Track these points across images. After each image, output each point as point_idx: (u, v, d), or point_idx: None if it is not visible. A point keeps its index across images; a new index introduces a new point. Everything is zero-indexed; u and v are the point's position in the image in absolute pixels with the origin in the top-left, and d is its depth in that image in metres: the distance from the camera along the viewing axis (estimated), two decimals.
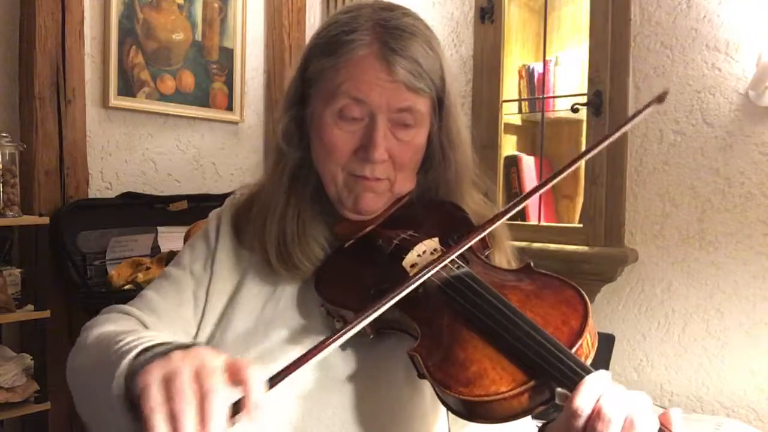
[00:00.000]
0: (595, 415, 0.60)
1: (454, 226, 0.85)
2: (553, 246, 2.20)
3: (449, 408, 0.67)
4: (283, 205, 0.91)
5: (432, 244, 0.83)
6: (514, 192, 2.46)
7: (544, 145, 2.40)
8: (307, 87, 0.90)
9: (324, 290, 0.85)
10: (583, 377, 0.62)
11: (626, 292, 2.26)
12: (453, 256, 0.74)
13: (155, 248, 2.44)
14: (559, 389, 0.63)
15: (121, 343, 0.70)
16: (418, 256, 0.81)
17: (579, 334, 0.66)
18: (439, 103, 0.89)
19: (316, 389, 0.80)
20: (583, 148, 2.32)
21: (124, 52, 2.52)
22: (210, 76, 2.80)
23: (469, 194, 0.94)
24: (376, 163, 0.85)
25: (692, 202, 2.13)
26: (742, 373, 2.03)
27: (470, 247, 0.81)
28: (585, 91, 2.23)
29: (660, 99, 0.83)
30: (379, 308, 0.68)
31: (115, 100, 2.50)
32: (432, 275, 0.73)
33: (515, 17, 2.51)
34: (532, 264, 0.80)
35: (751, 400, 2.01)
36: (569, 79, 2.38)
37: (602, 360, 2.10)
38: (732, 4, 2.04)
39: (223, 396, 0.56)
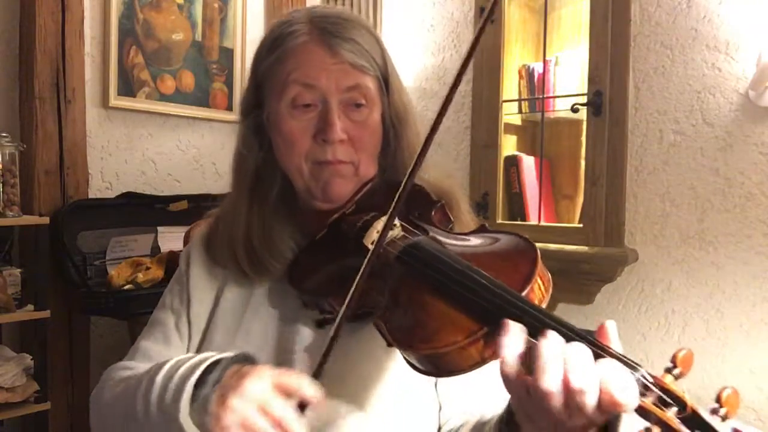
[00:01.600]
0: (566, 391, 0.56)
1: (414, 201, 0.87)
2: (553, 246, 2.20)
3: (417, 369, 0.70)
4: (246, 209, 0.93)
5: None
6: (515, 192, 2.46)
7: (544, 145, 2.40)
8: (260, 89, 0.94)
9: (297, 282, 0.88)
10: (535, 316, 0.62)
11: (626, 292, 2.26)
12: (396, 212, 0.76)
13: (155, 248, 2.44)
14: None
15: (157, 391, 0.74)
16: (377, 232, 0.83)
17: (528, 278, 0.68)
18: (385, 83, 0.93)
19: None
20: (584, 148, 2.32)
21: (124, 52, 2.52)
22: (210, 76, 2.80)
23: (425, 169, 0.96)
24: (336, 144, 0.88)
25: (692, 202, 2.13)
26: (741, 372, 2.03)
27: (431, 221, 0.86)
28: (585, 91, 2.23)
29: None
30: (354, 287, 0.71)
31: (115, 100, 2.50)
32: (390, 247, 0.77)
33: (515, 17, 2.51)
34: (486, 225, 0.84)
35: (751, 400, 2.01)
36: (569, 79, 2.38)
37: None
38: (732, 4, 2.04)
39: (292, 413, 0.67)
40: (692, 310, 2.13)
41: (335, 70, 0.87)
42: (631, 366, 0.57)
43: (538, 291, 0.69)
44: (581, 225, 2.28)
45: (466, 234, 0.84)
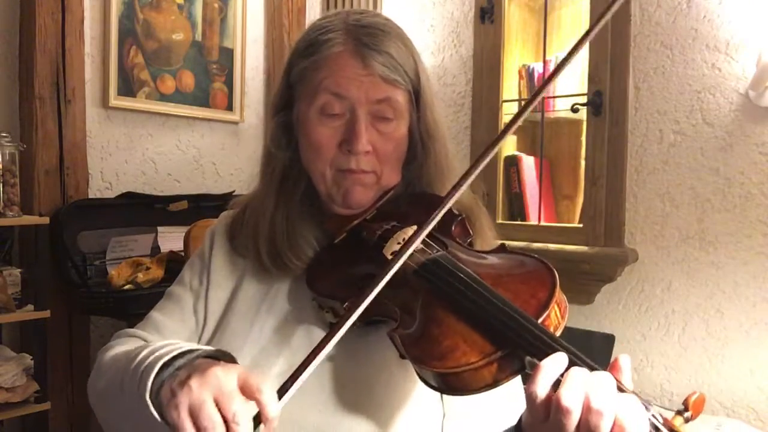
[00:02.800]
0: (586, 411, 0.59)
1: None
2: (553, 246, 2.20)
3: (429, 385, 0.70)
4: (273, 206, 0.95)
5: (411, 232, 0.86)
6: (515, 192, 2.46)
7: (544, 145, 2.40)
8: (292, 90, 0.95)
9: (314, 284, 0.89)
10: (549, 345, 0.64)
11: (626, 292, 2.26)
12: (424, 234, 0.76)
13: (155, 248, 2.44)
14: (528, 358, 0.65)
15: (135, 363, 0.74)
16: (398, 244, 0.84)
17: (546, 305, 0.69)
18: (416, 97, 0.93)
19: (310, 376, 0.83)
20: (584, 148, 2.32)
21: (124, 52, 2.52)
22: (210, 76, 2.79)
23: (449, 182, 0.96)
24: (361, 155, 0.89)
25: (692, 202, 2.13)
26: (742, 373, 2.03)
27: (450, 234, 0.86)
28: (585, 91, 2.23)
29: None
30: (365, 298, 0.71)
31: (115, 100, 2.49)
32: (409, 260, 0.77)
33: (515, 17, 2.51)
34: (506, 245, 0.84)
35: (751, 400, 2.01)
36: (569, 79, 2.37)
37: (603, 360, 2.09)
38: (732, 4, 2.04)
39: (245, 416, 0.63)
40: (692, 310, 2.13)
41: (366, 81, 0.88)
42: (643, 404, 0.59)
43: (555, 317, 0.70)
44: (581, 225, 2.28)
45: (485, 252, 0.84)
